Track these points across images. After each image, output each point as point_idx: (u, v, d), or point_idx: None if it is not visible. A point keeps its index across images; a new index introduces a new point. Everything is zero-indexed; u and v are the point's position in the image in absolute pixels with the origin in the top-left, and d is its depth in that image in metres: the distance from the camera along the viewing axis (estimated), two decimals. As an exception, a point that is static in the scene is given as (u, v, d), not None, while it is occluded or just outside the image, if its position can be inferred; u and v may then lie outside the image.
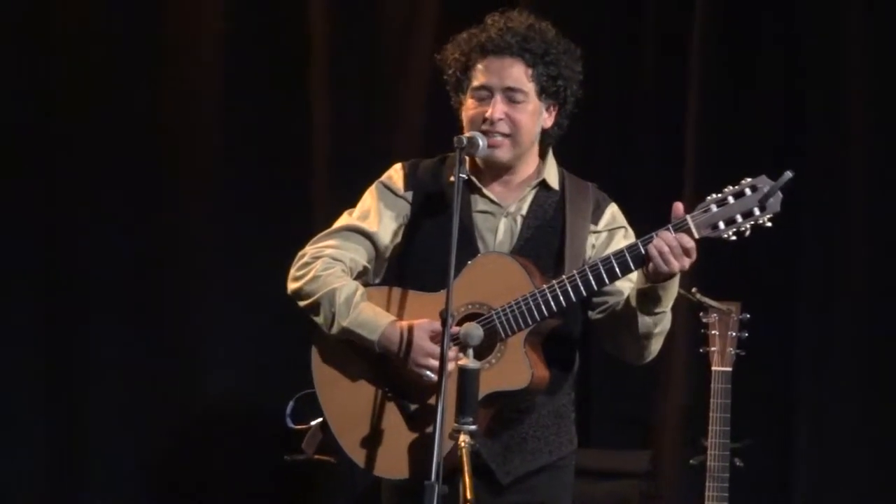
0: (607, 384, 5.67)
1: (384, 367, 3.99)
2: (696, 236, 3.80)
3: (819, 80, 5.55)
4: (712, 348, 4.96)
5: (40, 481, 5.83)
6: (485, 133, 3.96)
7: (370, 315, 3.96)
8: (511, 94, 3.99)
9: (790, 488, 5.51)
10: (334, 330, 3.98)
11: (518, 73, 3.99)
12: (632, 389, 5.66)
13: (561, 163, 4.18)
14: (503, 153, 4.01)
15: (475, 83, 4.01)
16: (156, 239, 5.88)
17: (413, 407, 3.96)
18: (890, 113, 5.48)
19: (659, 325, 3.95)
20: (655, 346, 4.02)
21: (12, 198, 5.85)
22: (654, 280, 3.84)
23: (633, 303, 3.91)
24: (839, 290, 5.54)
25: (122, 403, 5.83)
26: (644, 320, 3.92)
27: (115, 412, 5.82)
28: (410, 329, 3.91)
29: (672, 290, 3.91)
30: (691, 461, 4.99)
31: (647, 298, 3.89)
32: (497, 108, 3.97)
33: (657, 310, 3.91)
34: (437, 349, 3.85)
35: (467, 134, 3.96)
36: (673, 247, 3.78)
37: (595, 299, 4.04)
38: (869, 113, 5.50)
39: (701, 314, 4.93)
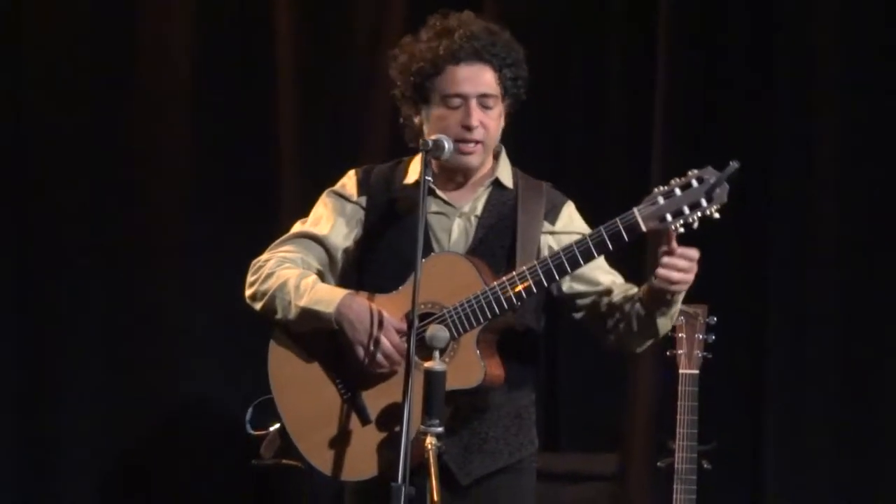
0: (575, 387, 5.67)
1: (342, 366, 3.97)
2: (644, 229, 3.79)
3: (790, 68, 5.54)
4: (679, 351, 4.96)
5: (9, 484, 5.79)
6: (461, 140, 3.96)
7: (326, 292, 3.96)
8: (484, 101, 3.99)
9: (758, 490, 5.49)
10: (292, 315, 3.96)
11: (489, 79, 3.99)
12: (599, 393, 5.66)
13: (526, 160, 4.17)
14: (475, 159, 4.02)
15: (449, 91, 3.99)
16: (126, 241, 5.85)
17: (372, 408, 3.94)
18: (860, 108, 5.47)
19: (674, 318, 3.99)
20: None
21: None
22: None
23: (648, 307, 3.91)
24: (808, 293, 5.52)
25: (92, 405, 5.79)
26: (662, 320, 3.95)
27: (85, 414, 5.78)
28: (370, 300, 3.92)
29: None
30: (658, 463, 4.99)
31: (666, 303, 3.90)
32: (475, 116, 3.97)
33: (673, 310, 3.95)
34: (395, 334, 3.86)
35: (433, 137, 3.94)
36: (679, 266, 3.80)
37: (578, 301, 4.05)
38: (839, 110, 5.49)
39: (668, 317, 4.91)
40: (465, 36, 3.97)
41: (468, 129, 3.96)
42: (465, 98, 3.98)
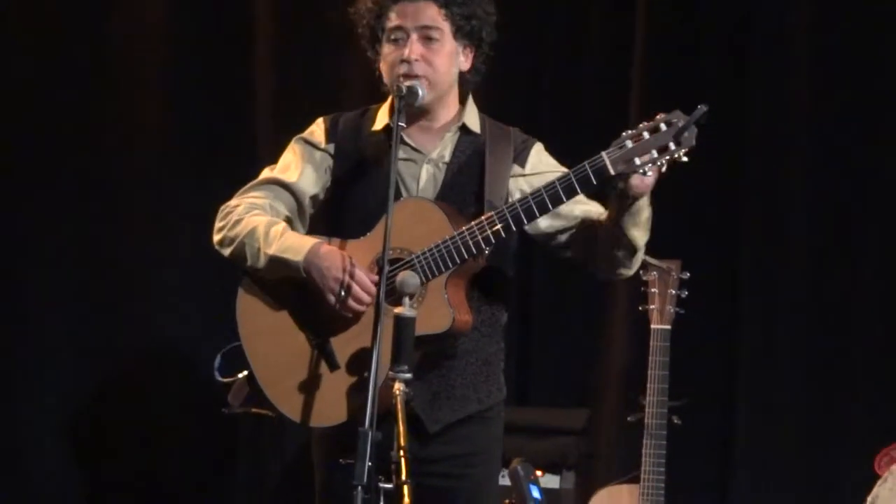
0: (546, 342, 5.68)
1: (311, 313, 3.94)
2: (612, 172, 3.76)
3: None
4: (651, 306, 4.98)
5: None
6: (402, 76, 3.94)
7: (296, 240, 3.94)
8: (426, 33, 3.97)
9: (728, 446, 5.50)
10: (261, 262, 3.94)
11: (433, 14, 3.98)
12: (571, 347, 5.67)
13: (499, 109, 4.16)
14: (423, 97, 3.97)
15: (389, 25, 3.99)
16: (92, 187, 5.81)
17: (341, 354, 3.91)
18: (832, 76, 5.49)
19: (648, 226, 3.94)
20: (641, 253, 4.01)
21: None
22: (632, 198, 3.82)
23: (622, 227, 3.87)
24: (782, 250, 5.53)
25: (59, 354, 5.78)
26: (635, 232, 3.90)
27: (52, 363, 5.77)
28: (338, 248, 3.90)
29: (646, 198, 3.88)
30: (629, 418, 5.00)
31: (630, 214, 3.86)
32: (413, 49, 3.96)
33: (641, 218, 3.89)
34: (366, 278, 3.84)
35: (407, 83, 3.93)
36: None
37: (561, 237, 4.02)
38: (809, 72, 5.51)
39: (641, 272, 4.89)
40: None
41: (407, 62, 3.94)
42: (406, 31, 3.97)
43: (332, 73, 5.76)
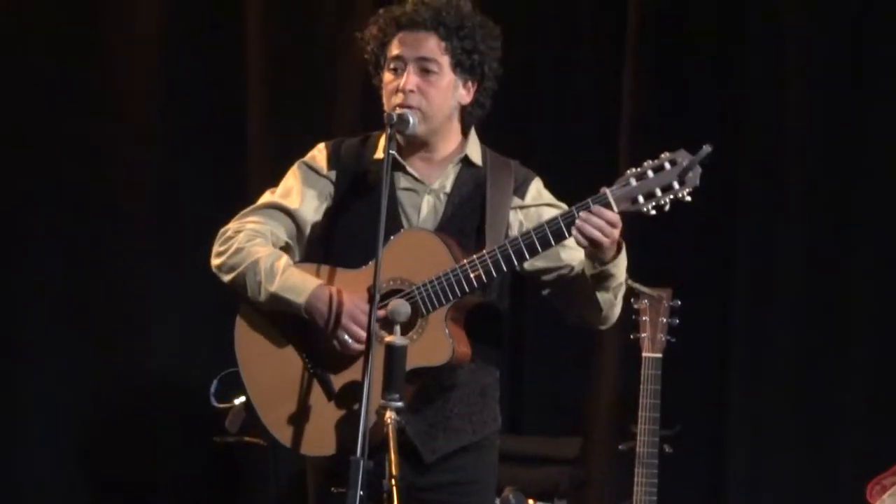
0: (538, 370, 5.68)
1: (309, 341, 3.96)
2: (616, 210, 3.79)
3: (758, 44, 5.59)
4: (643, 334, 4.98)
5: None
6: (397, 105, 3.96)
7: (298, 279, 3.94)
8: (424, 65, 3.99)
9: (720, 476, 5.51)
10: (262, 297, 3.95)
11: (431, 45, 3.99)
12: (563, 375, 5.68)
13: (495, 142, 4.17)
14: (416, 127, 3.99)
15: (390, 54, 4.01)
16: (88, 211, 5.83)
17: (337, 383, 3.93)
18: (827, 97, 5.51)
19: (619, 293, 3.98)
20: (617, 309, 4.04)
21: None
22: (600, 261, 3.86)
23: (589, 284, 3.92)
24: (772, 278, 5.55)
25: (47, 380, 5.78)
26: (604, 296, 3.95)
27: (40, 389, 5.78)
28: (339, 293, 3.90)
29: (622, 264, 3.92)
30: (620, 447, 5.00)
31: (601, 278, 3.91)
32: (409, 80, 3.98)
33: (613, 284, 3.94)
34: (364, 318, 3.84)
35: (398, 111, 3.95)
36: (592, 220, 3.77)
37: (543, 276, 4.04)
38: (805, 88, 5.52)
39: (632, 300, 4.92)
40: (416, 4, 4.00)
41: (402, 92, 3.96)
42: (404, 61, 3.99)
43: (328, 80, 5.78)
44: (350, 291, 3.91)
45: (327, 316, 3.89)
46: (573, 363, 5.66)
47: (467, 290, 3.86)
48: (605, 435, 5.53)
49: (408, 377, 3.73)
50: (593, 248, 3.82)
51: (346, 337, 3.88)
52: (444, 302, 3.87)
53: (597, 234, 3.77)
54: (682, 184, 3.75)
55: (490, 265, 3.84)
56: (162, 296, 5.78)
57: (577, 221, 3.78)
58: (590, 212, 3.77)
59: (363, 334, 3.83)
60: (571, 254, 4.00)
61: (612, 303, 3.99)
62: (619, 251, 3.88)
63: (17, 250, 5.82)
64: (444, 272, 3.86)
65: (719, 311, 5.56)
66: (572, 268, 4.02)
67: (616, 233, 3.80)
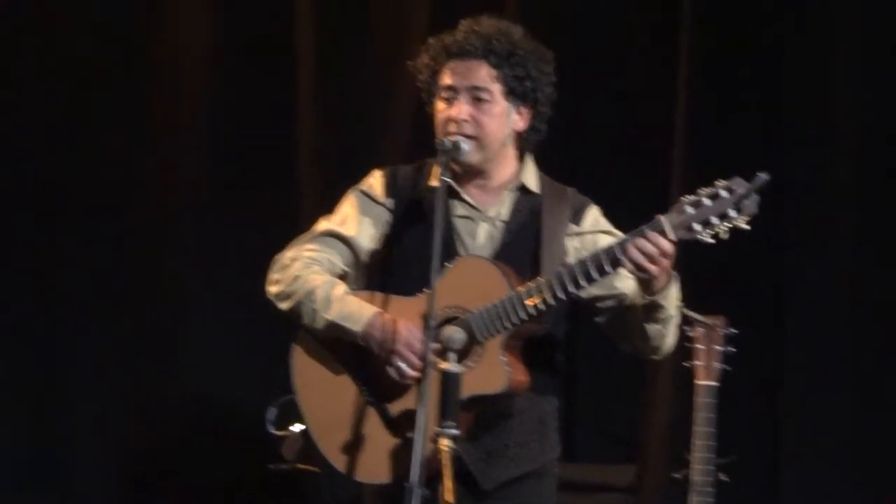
0: (593, 397, 5.67)
1: (365, 369, 3.98)
2: (672, 237, 3.79)
3: (803, 88, 5.57)
4: (697, 362, 4.95)
5: (23, 485, 5.79)
6: (450, 134, 3.98)
7: (355, 307, 3.96)
8: (476, 94, 4.00)
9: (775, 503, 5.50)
10: (319, 325, 3.97)
11: (482, 74, 4.01)
12: (617, 403, 5.66)
13: (546, 169, 4.18)
14: (471, 155, 4.01)
15: (442, 84, 4.03)
16: (144, 236, 5.86)
17: (393, 411, 3.94)
18: (877, 122, 5.48)
19: (669, 325, 3.98)
20: (671, 340, 4.04)
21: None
22: (650, 291, 3.85)
23: (640, 314, 3.92)
24: (826, 305, 5.52)
25: (102, 407, 5.80)
26: (653, 327, 3.96)
27: (95, 416, 5.79)
28: (395, 322, 3.91)
29: (673, 295, 3.93)
30: (675, 475, 4.98)
31: (651, 309, 3.91)
32: (461, 109, 4.00)
33: (662, 316, 3.94)
34: (419, 345, 3.85)
35: (452, 137, 3.97)
36: (646, 248, 3.78)
37: (598, 304, 4.05)
38: (854, 122, 5.50)
39: (686, 328, 4.90)
40: (467, 33, 4.02)
41: (455, 121, 3.98)
42: (456, 90, 4.01)
43: (377, 104, 5.80)
44: (406, 319, 3.92)
45: (383, 343, 3.91)
46: (628, 390, 5.64)
47: (524, 317, 3.86)
48: (660, 462, 5.51)
49: (465, 405, 3.76)
50: (643, 276, 3.82)
51: (402, 364, 3.90)
52: (500, 330, 3.87)
53: (646, 262, 3.78)
54: (739, 211, 3.75)
55: (546, 293, 3.85)
56: (217, 322, 5.80)
57: (629, 247, 3.79)
58: (644, 238, 3.78)
59: (419, 362, 3.84)
60: (625, 282, 4.00)
61: (661, 334, 3.98)
62: (669, 282, 3.88)
63: (72, 275, 5.85)
64: (501, 300, 3.87)
65: (772, 338, 5.54)
66: (626, 296, 4.02)
67: (666, 262, 3.80)
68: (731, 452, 4.95)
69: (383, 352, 3.92)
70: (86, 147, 5.86)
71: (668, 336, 4.01)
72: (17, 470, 5.80)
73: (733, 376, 4.98)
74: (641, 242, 3.78)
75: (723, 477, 4.92)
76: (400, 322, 3.91)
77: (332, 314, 3.96)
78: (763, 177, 3.72)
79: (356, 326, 3.94)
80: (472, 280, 3.91)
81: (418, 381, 3.84)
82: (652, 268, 3.79)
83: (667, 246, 3.78)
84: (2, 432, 5.80)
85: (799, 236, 5.56)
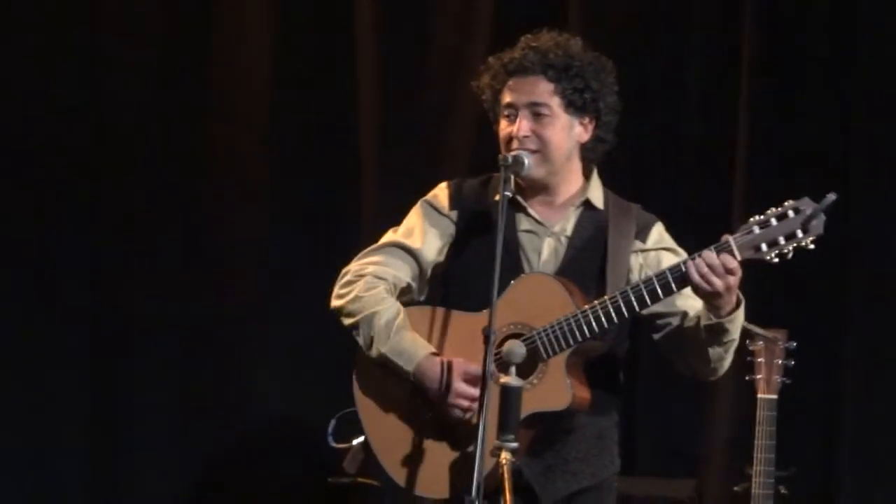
0: (653, 411, 5.66)
1: None
2: (739, 258, 3.78)
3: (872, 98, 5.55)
4: (758, 376, 4.96)
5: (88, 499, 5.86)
6: (510, 150, 3.99)
7: (409, 344, 3.98)
8: (535, 109, 4.02)
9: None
10: (373, 353, 4.00)
11: (541, 90, 4.02)
12: (677, 416, 5.65)
13: (607, 185, 4.18)
14: (535, 170, 4.02)
15: (503, 102, 4.05)
16: (202, 252, 5.91)
17: (453, 426, 3.95)
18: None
19: (730, 349, 3.98)
20: (728, 363, 4.03)
21: (62, 222, 5.92)
22: (717, 314, 3.85)
23: (702, 335, 3.91)
24: (887, 320, 5.50)
25: (164, 420, 5.86)
26: (714, 350, 3.95)
27: (157, 429, 5.85)
28: (447, 366, 3.93)
29: (738, 321, 3.92)
30: (735, 488, 4.98)
31: (715, 331, 3.90)
32: (522, 125, 4.01)
33: (726, 339, 3.93)
34: (470, 391, 3.87)
35: (513, 153, 3.98)
36: (714, 266, 3.77)
37: (657, 321, 4.05)
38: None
39: (747, 342, 4.91)
40: (524, 49, 4.04)
41: (517, 138, 3.99)
42: (516, 108, 4.02)
43: (441, 125, 5.82)
44: (468, 334, 3.91)
45: (436, 389, 3.93)
46: (687, 403, 5.63)
47: (588, 335, 3.87)
48: (720, 476, 5.50)
49: (527, 422, 3.77)
50: (708, 295, 3.81)
51: (457, 411, 3.91)
52: (564, 347, 3.87)
53: (713, 278, 3.77)
54: (805, 231, 3.75)
55: (611, 310, 3.85)
56: (280, 335, 5.83)
57: (697, 261, 3.78)
58: (712, 257, 3.77)
59: (474, 406, 3.84)
60: (686, 301, 3.99)
61: (721, 357, 3.97)
62: (737, 307, 3.87)
63: (132, 288, 5.91)
64: (565, 317, 3.87)
65: (832, 350, 5.52)
66: (686, 314, 4.01)
67: (732, 280, 3.79)
68: (791, 465, 4.94)
69: (437, 396, 3.93)
70: (149, 163, 5.94)
71: (726, 359, 4.00)
72: (82, 482, 5.86)
73: (793, 389, 4.97)
74: (711, 260, 3.77)
75: (783, 490, 4.91)
76: (455, 368, 3.92)
77: (386, 347, 3.98)
78: (831, 197, 3.72)
79: (408, 366, 3.96)
80: (536, 297, 3.92)
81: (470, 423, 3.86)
82: (717, 283, 3.78)
83: (733, 264, 3.78)
84: (69, 447, 5.87)
85: (862, 247, 5.53)
